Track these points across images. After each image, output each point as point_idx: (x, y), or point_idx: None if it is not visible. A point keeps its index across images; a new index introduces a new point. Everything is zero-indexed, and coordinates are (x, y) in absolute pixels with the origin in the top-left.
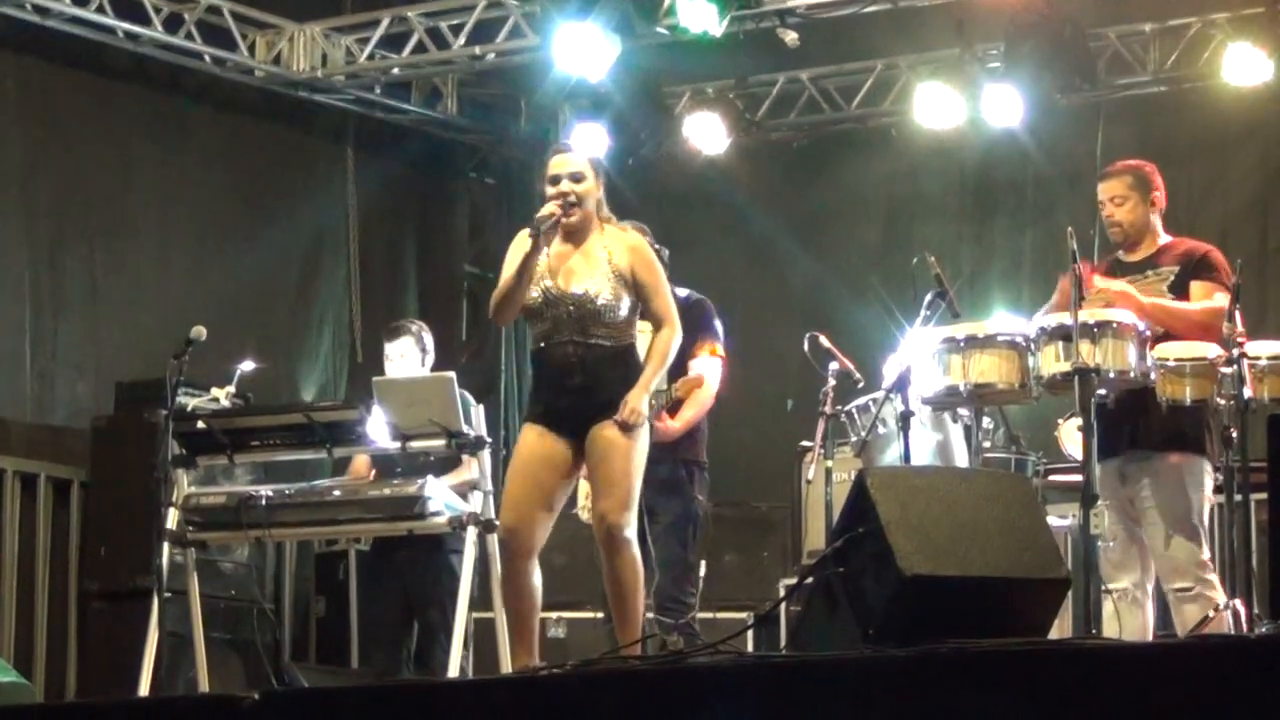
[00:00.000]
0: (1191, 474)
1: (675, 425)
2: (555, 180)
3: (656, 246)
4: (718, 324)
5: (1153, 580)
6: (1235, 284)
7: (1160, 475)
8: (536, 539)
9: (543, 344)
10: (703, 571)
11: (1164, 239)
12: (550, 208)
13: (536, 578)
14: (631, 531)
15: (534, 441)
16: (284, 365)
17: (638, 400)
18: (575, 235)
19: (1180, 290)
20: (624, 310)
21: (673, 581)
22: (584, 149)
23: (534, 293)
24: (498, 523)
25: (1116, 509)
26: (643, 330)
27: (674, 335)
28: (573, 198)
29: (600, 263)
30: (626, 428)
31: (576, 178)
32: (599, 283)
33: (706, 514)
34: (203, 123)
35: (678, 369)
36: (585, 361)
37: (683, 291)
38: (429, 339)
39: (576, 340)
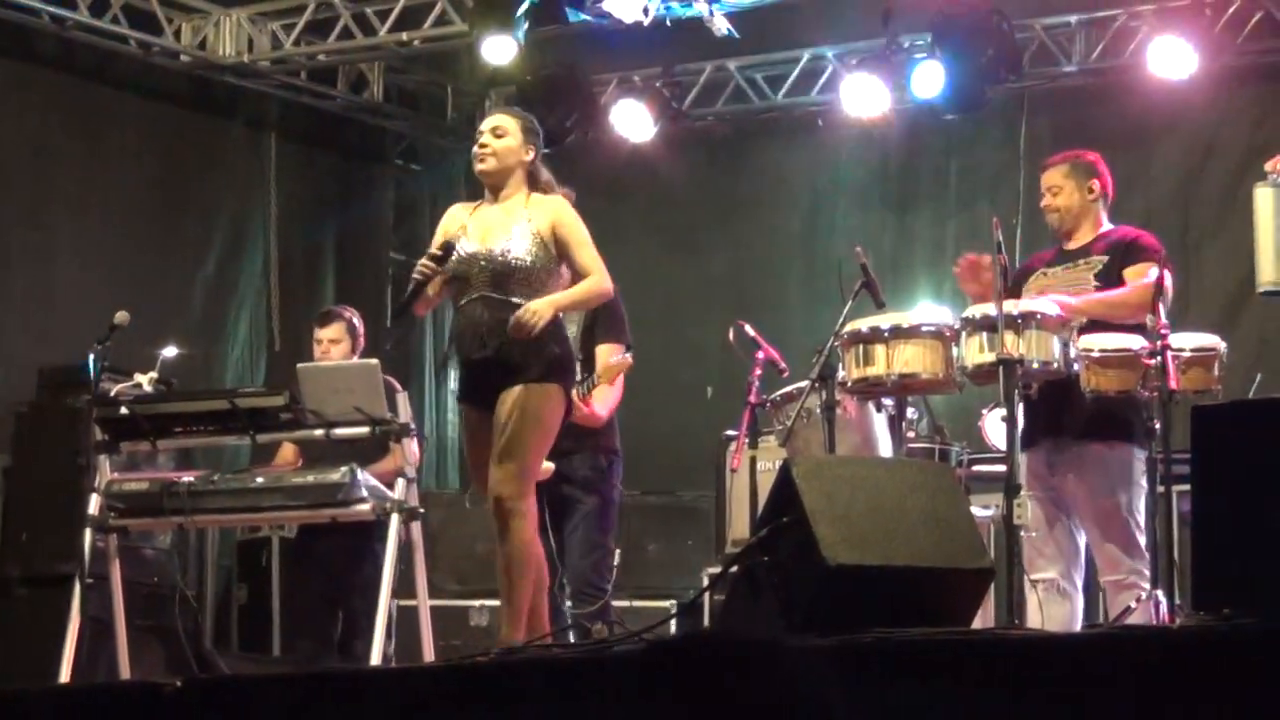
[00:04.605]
0: (1120, 464)
1: (601, 411)
2: (479, 135)
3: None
4: (624, 317)
5: (1081, 571)
6: (1160, 263)
7: (1086, 466)
8: None
9: (459, 304)
10: (617, 560)
11: (1105, 227)
12: (419, 266)
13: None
14: (526, 504)
15: (470, 424)
16: (201, 352)
17: (541, 305)
18: (499, 196)
19: (1108, 277)
20: (541, 272)
21: (591, 567)
22: (519, 114)
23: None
24: (422, 509)
25: (1043, 499)
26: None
27: (602, 283)
28: (488, 148)
29: (519, 222)
30: (520, 329)
31: (497, 132)
32: (514, 241)
33: (623, 502)
34: (125, 108)
35: (587, 359)
36: (497, 324)
37: None
38: (360, 327)
39: (488, 296)
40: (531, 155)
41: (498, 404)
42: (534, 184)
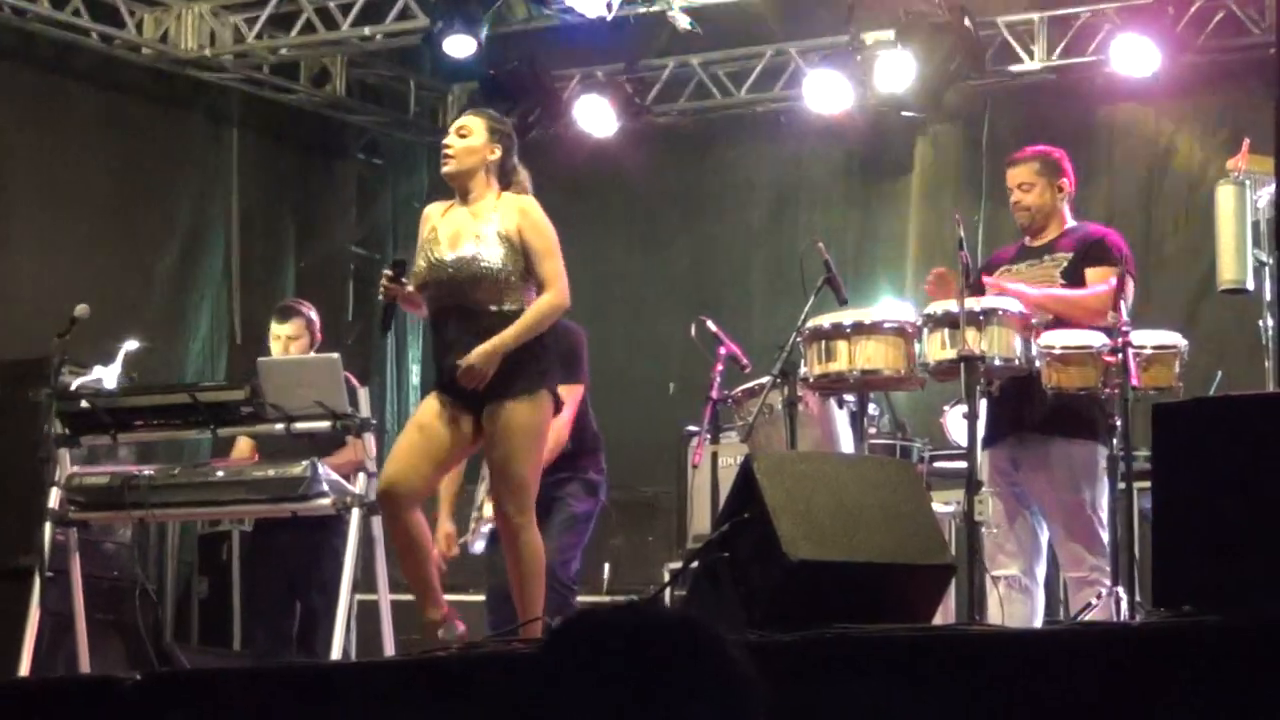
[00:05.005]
0: (1084, 460)
1: None
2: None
3: None
4: (583, 359)
5: (1043, 567)
6: (1121, 272)
7: (1051, 462)
8: (415, 491)
9: (433, 313)
10: (606, 574)
11: (1070, 224)
12: (381, 285)
13: (421, 529)
14: (527, 518)
15: (433, 410)
16: (162, 345)
17: (480, 358)
18: (468, 198)
19: (1074, 274)
20: (512, 275)
21: (560, 564)
22: (489, 114)
23: (420, 262)
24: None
25: (1005, 495)
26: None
27: (556, 301)
28: (450, 149)
29: (486, 225)
30: (469, 380)
31: (460, 132)
32: (482, 246)
33: (608, 516)
34: (86, 101)
35: None
36: (471, 331)
37: None
38: (317, 321)
39: (460, 305)
40: (497, 154)
41: (485, 417)
42: (506, 183)
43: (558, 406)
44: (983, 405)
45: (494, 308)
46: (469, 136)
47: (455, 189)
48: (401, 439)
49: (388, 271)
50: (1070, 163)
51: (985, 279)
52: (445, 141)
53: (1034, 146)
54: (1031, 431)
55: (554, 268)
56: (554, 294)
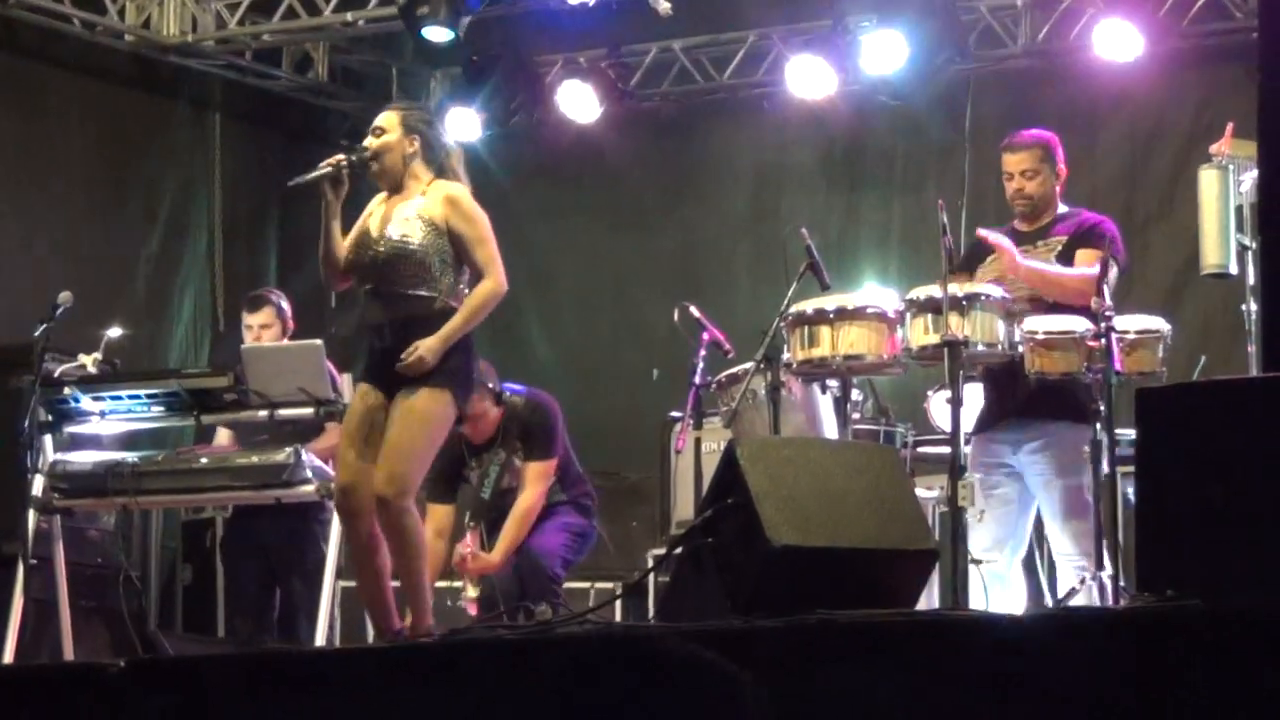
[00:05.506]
0: (1083, 445)
1: (495, 558)
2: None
3: None
4: (557, 432)
5: (1026, 552)
6: (1104, 257)
7: (1054, 445)
8: (368, 497)
9: (361, 296)
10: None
11: (1062, 209)
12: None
13: (377, 540)
14: (407, 501)
15: (359, 402)
16: (145, 333)
17: (429, 349)
18: (396, 190)
19: (1067, 260)
20: (432, 259)
21: (548, 561)
22: (403, 107)
23: (348, 244)
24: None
25: (998, 479)
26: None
27: (493, 289)
28: (367, 152)
29: (413, 211)
30: (409, 371)
31: (375, 132)
32: (408, 228)
33: (600, 537)
34: (68, 88)
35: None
36: (396, 318)
37: (519, 387)
38: (289, 310)
39: (385, 289)
40: (416, 146)
41: (393, 401)
42: (439, 169)
43: (460, 417)
44: (972, 390)
45: (413, 291)
46: (385, 134)
47: (386, 188)
48: (343, 445)
49: (359, 152)
50: (1062, 147)
51: (979, 231)
52: (364, 144)
53: (1030, 131)
54: (1031, 416)
55: (487, 253)
56: (491, 280)
